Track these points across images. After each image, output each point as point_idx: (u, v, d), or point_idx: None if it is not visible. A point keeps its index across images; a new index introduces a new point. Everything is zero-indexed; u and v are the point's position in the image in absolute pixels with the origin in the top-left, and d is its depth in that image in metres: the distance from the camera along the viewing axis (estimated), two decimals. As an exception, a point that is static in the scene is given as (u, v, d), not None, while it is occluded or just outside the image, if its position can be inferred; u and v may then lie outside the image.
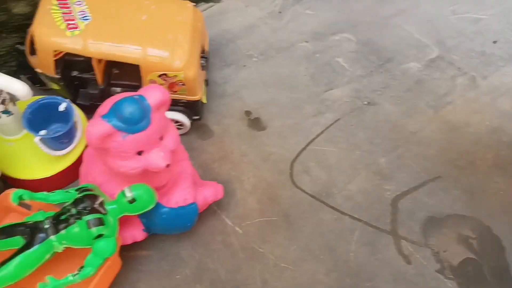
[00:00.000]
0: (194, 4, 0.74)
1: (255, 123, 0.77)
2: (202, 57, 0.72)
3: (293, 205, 0.67)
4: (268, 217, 0.66)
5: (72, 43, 0.63)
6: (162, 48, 0.66)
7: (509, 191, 0.73)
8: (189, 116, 0.72)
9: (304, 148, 0.74)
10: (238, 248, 0.62)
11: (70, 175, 0.65)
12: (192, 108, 0.71)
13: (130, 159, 0.51)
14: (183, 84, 0.67)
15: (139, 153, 0.51)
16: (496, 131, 0.80)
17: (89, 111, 0.69)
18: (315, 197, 0.69)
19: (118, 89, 0.71)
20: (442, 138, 0.79)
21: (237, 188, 0.68)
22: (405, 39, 0.92)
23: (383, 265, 0.64)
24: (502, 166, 0.76)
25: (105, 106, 0.51)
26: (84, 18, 0.65)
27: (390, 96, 0.84)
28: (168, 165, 0.51)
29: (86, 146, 0.66)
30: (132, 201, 0.51)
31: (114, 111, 0.49)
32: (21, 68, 0.71)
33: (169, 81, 0.67)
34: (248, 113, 0.78)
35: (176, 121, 0.72)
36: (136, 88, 0.69)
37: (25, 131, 0.63)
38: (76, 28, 0.64)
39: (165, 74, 0.65)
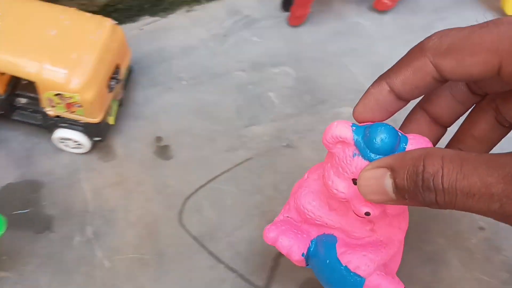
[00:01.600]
0: (117, 22, 0.73)
1: (163, 151, 0.76)
2: (113, 78, 0.71)
3: (171, 244, 0.66)
4: (141, 254, 0.64)
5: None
6: (61, 66, 0.65)
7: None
8: (90, 137, 0.71)
9: (203, 185, 0.72)
10: (100, 284, 0.61)
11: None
12: (93, 129, 0.70)
13: (342, 179, 0.45)
14: (80, 106, 0.66)
15: (355, 181, 0.44)
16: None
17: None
18: (197, 239, 0.67)
19: (24, 100, 0.71)
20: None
21: (120, 218, 0.67)
22: (347, 81, 0.89)
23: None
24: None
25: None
26: (-11, 26, 0.64)
27: (312, 140, 0.81)
28: (367, 214, 0.43)
29: None
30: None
31: (367, 129, 0.42)
32: None
33: (66, 101, 0.66)
34: (159, 139, 0.77)
35: (75, 140, 0.71)
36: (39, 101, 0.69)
37: None
38: (-23, 34, 0.63)
39: (60, 94, 0.64)
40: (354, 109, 0.43)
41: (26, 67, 0.62)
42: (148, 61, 0.84)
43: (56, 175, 0.69)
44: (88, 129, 0.68)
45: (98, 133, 0.69)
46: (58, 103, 0.64)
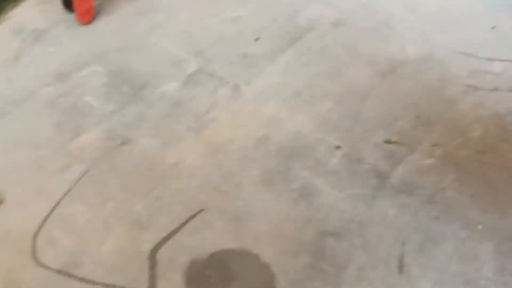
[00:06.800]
0: None
1: (-13, 199, 0.67)
2: None
3: (36, 288, 0.59)
4: (5, 315, 0.56)
5: None
6: None
7: (277, 207, 0.69)
8: None
9: (48, 215, 0.65)
10: None
11: None
12: None
13: None
14: None
15: None
16: (261, 142, 0.76)
17: None
18: (62, 271, 0.60)
19: None
20: (205, 164, 0.73)
21: (-31, 287, 0.58)
22: (161, 57, 0.86)
23: None
24: (269, 180, 0.72)
25: None
26: None
27: (146, 128, 0.77)
28: None
29: None
30: None
31: None
32: None
33: None
34: (-21, 191, 0.68)
35: None
36: None
37: None
38: None
39: None
40: None
41: None
42: None
43: None
44: None
45: None
46: None
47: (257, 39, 0.90)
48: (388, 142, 0.74)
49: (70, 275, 0.63)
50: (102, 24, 0.90)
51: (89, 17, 0.89)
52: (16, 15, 0.87)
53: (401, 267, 0.64)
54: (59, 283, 0.60)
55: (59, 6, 0.89)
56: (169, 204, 0.71)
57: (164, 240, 0.67)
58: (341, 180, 0.70)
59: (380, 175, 0.71)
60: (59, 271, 0.63)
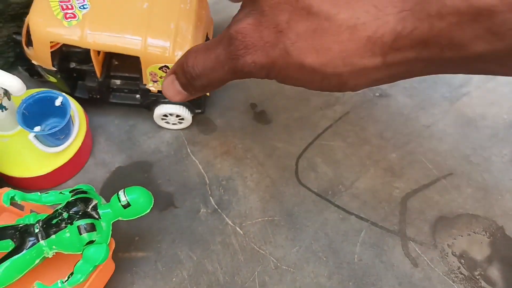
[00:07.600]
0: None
1: (260, 116, 0.74)
2: (206, 47, 0.69)
3: (296, 203, 0.65)
4: (270, 216, 0.63)
5: (69, 34, 0.61)
6: (163, 38, 0.63)
7: (525, 190, 0.70)
8: (191, 110, 0.70)
9: (310, 143, 0.71)
10: (238, 250, 0.60)
11: (66, 172, 0.63)
12: (194, 101, 0.69)
13: None
14: (185, 77, 0.64)
15: None
16: (513, 125, 0.76)
17: (88, 104, 0.67)
18: (321, 195, 0.66)
19: (118, 81, 0.69)
20: (456, 132, 0.75)
21: (239, 185, 0.65)
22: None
23: (388, 268, 0.62)
24: (519, 163, 0.72)
25: None
26: (83, 7, 0.62)
27: (403, 87, 0.80)
28: None
29: (84, 141, 0.64)
30: (127, 205, 0.49)
31: None
32: (18, 59, 0.70)
33: (171, 74, 0.64)
34: (253, 105, 0.75)
35: (177, 115, 0.70)
36: (136, 80, 0.67)
37: (20, 127, 0.62)
38: (74, 17, 0.61)
39: (166, 66, 0.63)
40: None
41: (130, 43, 0.60)
42: (221, 31, 0.82)
43: (162, 153, 0.68)
44: (190, 101, 0.67)
45: (199, 105, 0.68)
46: (162, 77, 0.62)
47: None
48: None
49: (328, 200, 0.68)
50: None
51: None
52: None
53: None
54: (318, 205, 0.65)
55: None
56: (420, 160, 0.73)
57: (415, 192, 0.70)
58: None
59: None
60: (318, 194, 0.68)
